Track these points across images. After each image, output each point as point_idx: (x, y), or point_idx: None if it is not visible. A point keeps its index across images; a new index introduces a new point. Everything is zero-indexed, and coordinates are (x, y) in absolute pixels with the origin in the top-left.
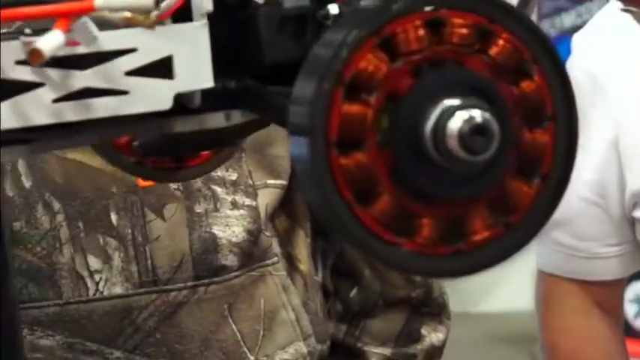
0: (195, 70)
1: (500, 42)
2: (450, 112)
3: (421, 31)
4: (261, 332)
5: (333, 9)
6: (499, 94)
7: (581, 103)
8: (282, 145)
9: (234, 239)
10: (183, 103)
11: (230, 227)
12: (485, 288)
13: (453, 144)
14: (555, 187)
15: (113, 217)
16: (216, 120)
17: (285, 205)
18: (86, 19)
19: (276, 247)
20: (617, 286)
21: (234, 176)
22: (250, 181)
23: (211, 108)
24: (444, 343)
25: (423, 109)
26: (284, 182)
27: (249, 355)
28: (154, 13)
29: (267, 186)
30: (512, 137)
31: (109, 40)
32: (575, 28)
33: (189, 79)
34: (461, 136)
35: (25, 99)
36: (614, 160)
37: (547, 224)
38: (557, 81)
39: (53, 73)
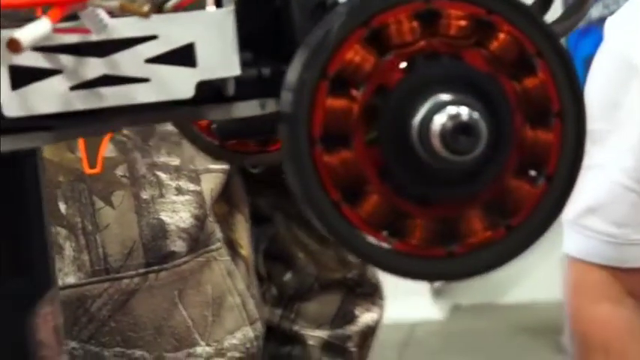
0: (220, 58)
1: (501, 35)
2: (435, 109)
3: (414, 23)
4: (210, 318)
5: None
6: (498, 91)
7: (615, 88)
8: None
9: (182, 225)
10: (217, 91)
11: (177, 213)
12: (510, 278)
13: (436, 143)
14: (561, 188)
15: (62, 207)
16: (250, 108)
17: (223, 189)
18: (95, 8)
19: (218, 233)
20: None
21: (176, 162)
22: (192, 166)
23: (246, 96)
24: (377, 323)
25: (412, 105)
26: (225, 167)
27: (200, 340)
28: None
29: (209, 171)
30: (512, 136)
31: (128, 27)
32: (602, 19)
33: (213, 67)
34: (443, 135)
35: (41, 86)
36: None
37: (580, 211)
38: (564, 76)
39: (70, 60)
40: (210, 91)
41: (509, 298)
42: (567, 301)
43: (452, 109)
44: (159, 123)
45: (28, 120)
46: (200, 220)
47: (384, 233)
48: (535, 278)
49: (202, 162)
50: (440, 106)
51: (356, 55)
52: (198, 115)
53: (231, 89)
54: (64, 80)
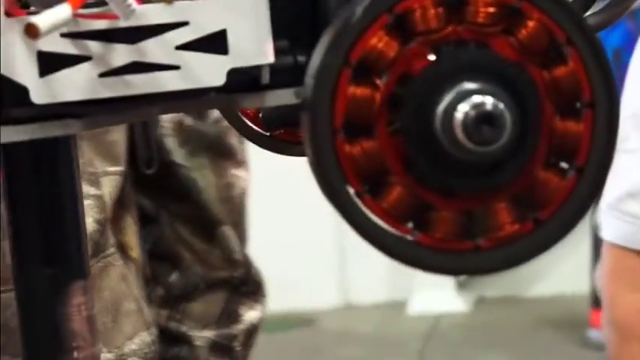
0: (253, 45)
1: (530, 22)
2: (459, 98)
3: (439, 9)
4: (109, 324)
5: None
6: (526, 80)
7: None
8: (118, 131)
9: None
10: (252, 79)
11: None
12: (536, 271)
13: (459, 132)
14: (592, 181)
15: None
16: (285, 97)
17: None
18: None
19: (111, 237)
20: None
21: None
22: (92, 169)
23: (281, 84)
24: (260, 320)
25: (436, 93)
26: (122, 169)
27: (102, 347)
28: None
29: (107, 174)
30: (541, 126)
31: (157, 13)
32: (633, 12)
33: (246, 55)
34: (465, 125)
35: (69, 73)
36: None
37: (619, 196)
38: (596, 65)
39: (98, 47)
40: (244, 79)
41: (535, 290)
42: (604, 288)
43: (476, 99)
44: (190, 112)
45: (58, 107)
46: (102, 225)
47: (408, 226)
48: (561, 271)
49: (101, 164)
50: (464, 95)
51: (379, 41)
52: (230, 104)
53: (265, 77)
54: (92, 67)
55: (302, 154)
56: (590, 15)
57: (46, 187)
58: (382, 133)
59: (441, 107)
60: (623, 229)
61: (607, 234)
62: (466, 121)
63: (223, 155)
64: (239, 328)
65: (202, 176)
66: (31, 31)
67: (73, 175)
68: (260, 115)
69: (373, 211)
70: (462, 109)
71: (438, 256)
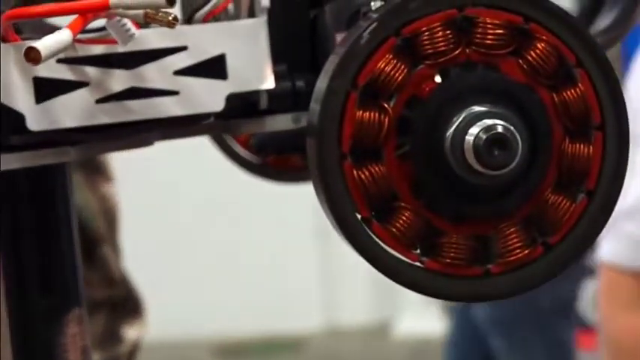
0: (252, 70)
1: (539, 44)
2: (469, 122)
3: (447, 32)
4: None
5: (376, 4)
6: (536, 102)
7: None
8: None
9: None
10: (250, 104)
11: None
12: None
13: (470, 156)
14: (602, 204)
15: None
16: (283, 122)
17: None
18: (120, 17)
19: None
20: None
21: None
22: None
23: (279, 109)
24: (141, 337)
25: (445, 117)
26: None
27: None
28: (172, 12)
29: None
30: (551, 149)
31: (156, 38)
32: None
33: (245, 80)
34: (477, 148)
35: (66, 99)
36: None
37: (615, 216)
38: (606, 87)
39: (97, 72)
40: (242, 105)
41: None
42: (599, 308)
43: (487, 122)
44: (188, 137)
45: (54, 134)
46: None
47: (417, 251)
48: None
49: None
50: (474, 119)
51: (387, 64)
52: (229, 129)
53: (263, 102)
54: (89, 93)
55: (293, 181)
56: (596, 34)
57: (42, 216)
58: (390, 157)
59: (451, 130)
60: (619, 249)
61: (603, 253)
62: (477, 144)
63: (95, 171)
64: (123, 349)
65: (79, 194)
66: (32, 56)
67: (68, 203)
68: (251, 141)
69: (381, 237)
70: (473, 132)
71: (448, 282)
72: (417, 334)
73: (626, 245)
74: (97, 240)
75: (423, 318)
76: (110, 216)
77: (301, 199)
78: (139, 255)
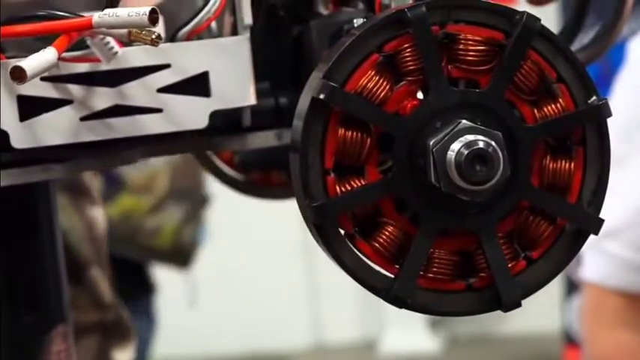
0: (235, 87)
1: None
2: (450, 138)
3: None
4: None
5: (358, 22)
6: (517, 118)
7: (637, 112)
8: None
9: None
10: (233, 121)
11: None
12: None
13: (452, 172)
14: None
15: None
16: (267, 139)
17: None
18: (104, 36)
19: None
20: None
21: None
22: None
23: (263, 126)
24: None
25: (427, 132)
26: None
27: None
28: (156, 31)
29: None
30: (533, 165)
31: (139, 56)
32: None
33: (228, 97)
34: (458, 164)
35: (50, 117)
36: None
37: (598, 235)
38: (587, 103)
39: (80, 90)
40: (225, 122)
41: (506, 329)
42: (583, 326)
43: (468, 138)
44: (172, 154)
45: (39, 151)
46: None
47: (399, 266)
48: (531, 308)
49: None
50: (456, 134)
51: (370, 81)
52: (212, 146)
53: (247, 119)
54: (73, 111)
55: (276, 197)
56: (578, 50)
57: (26, 233)
58: (373, 173)
59: (433, 146)
60: (603, 268)
61: (586, 273)
62: (459, 160)
63: (81, 194)
64: None
65: (65, 217)
66: (18, 75)
67: (52, 220)
68: (235, 159)
69: (364, 252)
70: (455, 147)
71: (431, 296)
72: (403, 350)
73: (610, 265)
74: (85, 263)
75: (410, 334)
76: (97, 239)
77: (288, 217)
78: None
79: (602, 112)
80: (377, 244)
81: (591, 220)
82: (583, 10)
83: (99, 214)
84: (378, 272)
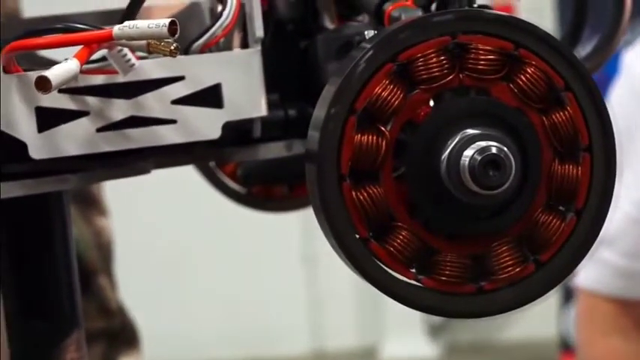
0: (247, 99)
1: (528, 68)
2: (464, 144)
3: (441, 57)
4: None
5: (369, 34)
6: (526, 125)
7: (630, 122)
8: None
9: None
10: (243, 133)
11: None
12: (505, 316)
13: (465, 177)
14: (590, 223)
15: None
16: (276, 150)
17: None
18: (122, 48)
19: None
20: None
21: None
22: None
23: (272, 137)
24: None
25: (441, 139)
26: None
27: None
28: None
29: None
30: (541, 170)
31: (154, 69)
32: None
33: (240, 108)
34: (472, 169)
35: (68, 128)
36: None
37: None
38: (593, 110)
39: (97, 101)
40: (236, 133)
41: (504, 335)
42: (577, 333)
43: (481, 144)
44: (185, 165)
45: (55, 162)
46: None
47: (413, 270)
48: (529, 315)
49: None
50: (469, 141)
51: (384, 90)
52: (224, 156)
53: (257, 130)
54: (90, 122)
55: (277, 210)
56: (582, 58)
57: (41, 242)
58: (388, 179)
59: (446, 153)
60: (595, 275)
61: (580, 280)
62: (472, 165)
63: (89, 204)
64: None
65: (74, 226)
66: (43, 85)
67: (66, 230)
68: (238, 172)
69: (378, 256)
70: (468, 154)
71: (443, 298)
72: (402, 356)
73: (604, 272)
74: (93, 271)
75: (409, 341)
76: (105, 248)
77: (289, 227)
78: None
79: (608, 119)
80: (391, 248)
81: (597, 225)
82: (580, 23)
83: (106, 224)
84: (393, 276)
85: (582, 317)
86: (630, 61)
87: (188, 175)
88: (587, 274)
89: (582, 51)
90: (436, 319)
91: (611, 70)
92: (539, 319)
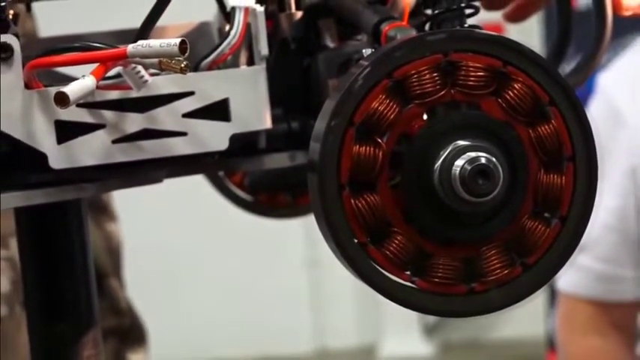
0: (252, 112)
1: (516, 85)
2: (455, 155)
3: (434, 74)
4: None
5: (367, 52)
6: (514, 137)
7: (604, 138)
8: None
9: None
10: (249, 145)
11: None
12: (496, 316)
13: (457, 186)
14: (574, 229)
15: None
16: (280, 160)
17: None
18: (135, 65)
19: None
20: (634, 307)
21: None
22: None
23: (276, 148)
24: None
25: (434, 151)
26: None
27: None
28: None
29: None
30: (528, 179)
31: (166, 84)
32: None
33: (246, 121)
34: (463, 178)
35: (85, 140)
36: (632, 189)
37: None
38: (576, 123)
39: (112, 115)
40: (242, 145)
41: (495, 334)
42: (558, 333)
43: (471, 154)
44: (195, 174)
45: (73, 172)
46: (16, 285)
47: (408, 272)
48: (518, 316)
49: (8, 224)
50: (459, 152)
51: (381, 104)
52: (231, 167)
53: (262, 142)
54: (106, 134)
55: (282, 217)
56: (566, 75)
57: (59, 247)
58: (384, 188)
59: (439, 163)
60: (575, 280)
61: (560, 284)
62: (463, 174)
63: (99, 210)
64: None
65: None
66: (61, 100)
67: (84, 234)
68: (245, 181)
69: (376, 259)
70: (459, 164)
71: (436, 299)
72: (400, 355)
73: (583, 277)
74: (104, 273)
75: (406, 340)
76: (114, 251)
77: (293, 232)
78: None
79: (590, 131)
80: (388, 252)
81: (580, 230)
82: (564, 42)
83: (116, 229)
84: (389, 278)
85: (563, 319)
86: (605, 83)
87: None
88: (567, 279)
89: (566, 68)
90: (431, 320)
91: (585, 91)
92: (527, 320)
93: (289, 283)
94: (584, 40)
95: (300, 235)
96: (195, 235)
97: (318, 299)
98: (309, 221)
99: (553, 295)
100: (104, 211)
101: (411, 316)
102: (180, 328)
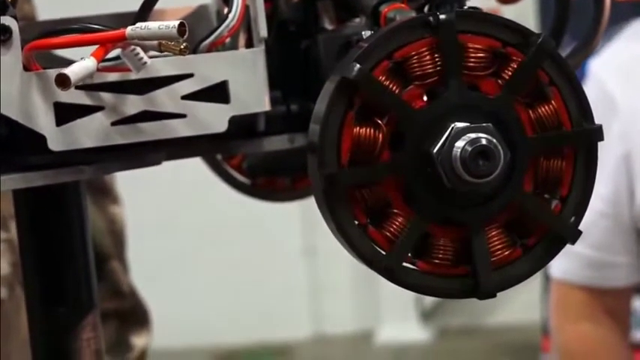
0: (251, 95)
1: (515, 65)
2: (455, 136)
3: (434, 55)
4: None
5: (366, 33)
6: (513, 118)
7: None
8: None
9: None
10: (248, 127)
11: None
12: (493, 301)
13: (457, 167)
14: (574, 208)
15: None
16: (280, 143)
17: None
18: (135, 47)
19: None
20: (626, 294)
21: None
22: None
23: (276, 131)
24: (147, 345)
25: (434, 132)
26: None
27: None
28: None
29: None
30: (528, 160)
31: (165, 66)
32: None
33: (245, 103)
34: (463, 159)
35: (84, 122)
36: (625, 175)
37: None
38: (576, 103)
39: (111, 97)
40: (242, 127)
41: (492, 319)
42: (551, 319)
43: (471, 136)
44: (194, 156)
45: (72, 154)
46: (15, 267)
47: (409, 253)
48: (515, 301)
49: (8, 207)
50: (460, 133)
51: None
52: (230, 149)
53: (261, 125)
54: (105, 116)
55: (280, 200)
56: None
57: (57, 230)
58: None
59: (439, 144)
60: (567, 266)
61: (553, 270)
62: (464, 155)
63: (102, 192)
64: (131, 357)
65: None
66: (63, 82)
67: (83, 217)
68: (243, 165)
69: (376, 241)
70: (459, 145)
71: (436, 280)
72: (397, 341)
73: (574, 263)
74: (106, 256)
75: (403, 326)
76: (117, 234)
77: (292, 219)
78: (144, 271)
79: (589, 111)
80: (388, 234)
81: (580, 211)
82: (561, 29)
83: (119, 212)
84: (390, 259)
85: (555, 305)
86: (597, 68)
87: (194, 169)
88: (559, 265)
89: (562, 53)
90: (428, 305)
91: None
92: (524, 305)
93: (287, 270)
94: (579, 27)
95: (298, 222)
96: (193, 224)
97: (316, 286)
98: (307, 209)
99: (548, 280)
100: (107, 194)
101: (408, 301)
102: (179, 316)
